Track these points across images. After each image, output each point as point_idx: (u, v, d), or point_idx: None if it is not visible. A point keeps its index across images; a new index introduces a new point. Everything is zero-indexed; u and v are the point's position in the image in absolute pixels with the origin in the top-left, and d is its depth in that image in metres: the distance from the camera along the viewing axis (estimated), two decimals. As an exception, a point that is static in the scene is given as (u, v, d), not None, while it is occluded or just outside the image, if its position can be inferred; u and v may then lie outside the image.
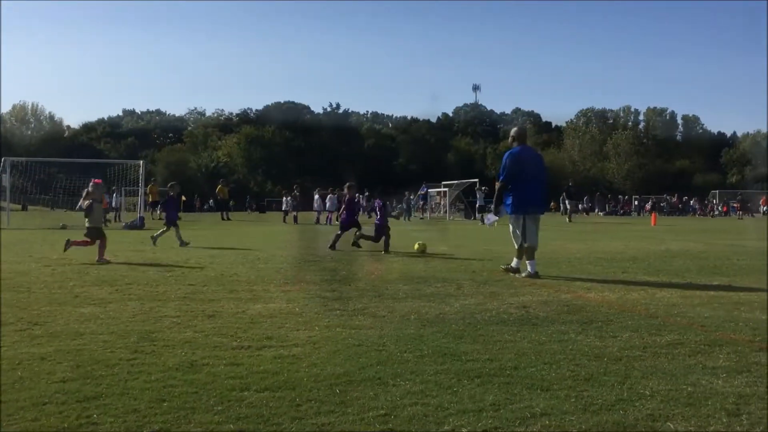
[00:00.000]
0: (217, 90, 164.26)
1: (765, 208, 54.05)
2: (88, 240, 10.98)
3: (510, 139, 9.71)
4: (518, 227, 9.33)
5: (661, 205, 58.33)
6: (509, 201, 9.37)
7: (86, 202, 11.09)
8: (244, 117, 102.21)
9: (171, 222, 14.29)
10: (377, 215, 14.00)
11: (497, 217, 10.15)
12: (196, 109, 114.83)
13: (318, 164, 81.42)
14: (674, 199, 61.30)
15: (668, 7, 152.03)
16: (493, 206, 10.32)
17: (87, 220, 11.11)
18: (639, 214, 56.34)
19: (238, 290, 7.48)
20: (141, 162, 28.46)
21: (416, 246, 12.83)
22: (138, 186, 27.75)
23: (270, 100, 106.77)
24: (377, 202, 14.64)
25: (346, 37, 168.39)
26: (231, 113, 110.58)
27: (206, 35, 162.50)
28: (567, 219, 32.23)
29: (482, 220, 9.01)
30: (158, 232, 14.15)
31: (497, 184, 9.72)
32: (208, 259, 11.16)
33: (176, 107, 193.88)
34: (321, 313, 6.06)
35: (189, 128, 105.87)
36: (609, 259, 11.76)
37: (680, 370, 4.15)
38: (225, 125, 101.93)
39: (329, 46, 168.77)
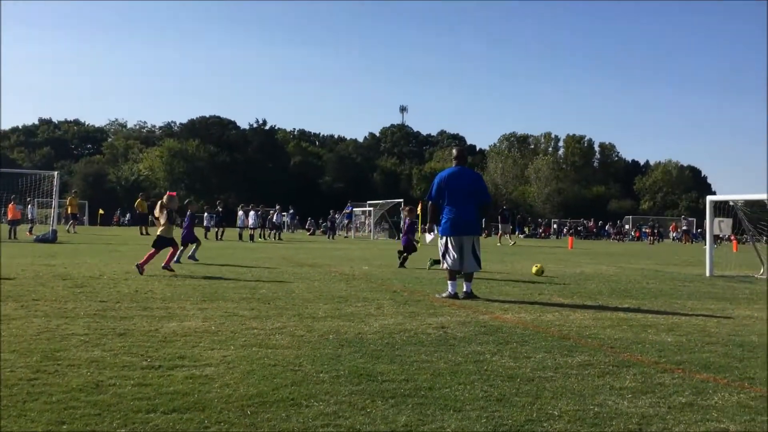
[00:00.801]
0: (140, 101, 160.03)
1: (674, 234, 56.62)
2: (154, 251, 11.52)
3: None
4: (442, 249, 9.45)
5: (578, 228, 60.30)
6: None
7: (163, 213, 11.63)
8: (168, 130, 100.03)
9: (191, 240, 14.34)
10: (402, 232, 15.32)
11: (432, 235, 10.25)
12: (117, 120, 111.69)
13: (243, 180, 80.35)
14: (590, 224, 63.46)
15: (587, 40, 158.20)
16: (427, 225, 10.43)
17: (161, 230, 11.61)
18: (557, 237, 58.00)
19: (153, 307, 7.26)
20: (56, 173, 27.37)
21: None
22: (51, 198, 26.64)
23: (195, 114, 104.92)
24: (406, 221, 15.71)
25: (275, 53, 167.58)
26: (154, 126, 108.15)
27: (130, 43, 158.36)
28: (509, 242, 33.17)
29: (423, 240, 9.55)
30: (191, 251, 14.30)
31: (420, 204, 9.92)
32: (123, 275, 10.80)
33: (96, 118, 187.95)
34: (237, 331, 5.94)
35: (109, 140, 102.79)
36: (526, 280, 12.04)
37: (589, 391, 4.26)
38: (147, 138, 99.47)
39: (257, 62, 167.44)
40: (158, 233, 11.74)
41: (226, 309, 7.33)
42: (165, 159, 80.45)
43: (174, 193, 12.37)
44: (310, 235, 45.33)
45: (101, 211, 58.31)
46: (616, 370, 4.86)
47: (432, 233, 10.30)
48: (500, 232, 35.15)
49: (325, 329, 6.19)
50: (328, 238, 36.71)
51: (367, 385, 4.22)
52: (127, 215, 63.59)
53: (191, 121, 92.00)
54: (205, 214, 33.75)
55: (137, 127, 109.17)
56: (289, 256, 17.87)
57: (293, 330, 6.10)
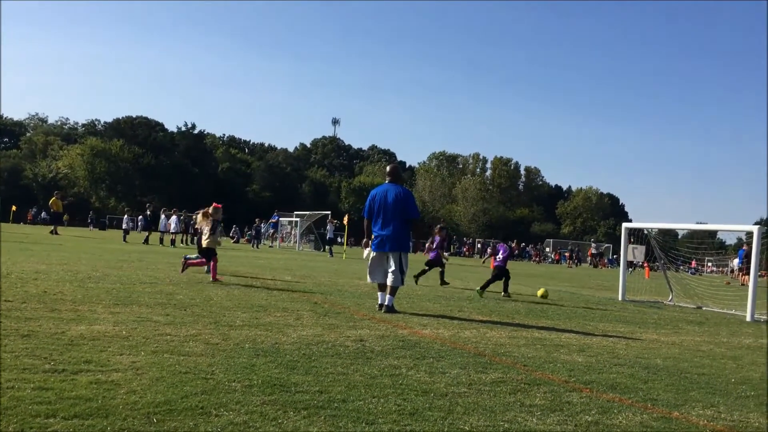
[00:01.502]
0: (63, 97, 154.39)
1: (590, 258, 58.49)
2: (204, 260, 11.95)
3: None
4: (367, 263, 9.66)
5: (445, 243, 61.46)
6: None
7: (206, 226, 11.84)
8: (91, 128, 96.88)
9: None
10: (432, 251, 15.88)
11: (367, 250, 10.23)
12: (37, 114, 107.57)
13: (167, 184, 78.47)
14: (513, 245, 64.82)
15: (520, 67, 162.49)
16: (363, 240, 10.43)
17: (207, 240, 11.79)
18: (480, 257, 59.00)
19: (61, 309, 6.97)
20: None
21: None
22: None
23: (121, 114, 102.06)
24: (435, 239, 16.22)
25: (208, 57, 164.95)
26: (76, 123, 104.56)
27: (57, 37, 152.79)
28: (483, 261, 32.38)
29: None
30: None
31: (347, 217, 10.02)
32: (33, 275, 10.34)
33: (15, 111, 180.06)
34: (150, 337, 5.76)
35: (28, 134, 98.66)
36: (447, 297, 12.18)
37: (500, 407, 4.32)
38: (68, 135, 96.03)
39: (190, 65, 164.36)
40: (205, 245, 11.93)
41: (140, 314, 7.10)
42: (86, 158, 77.66)
43: (219, 205, 12.36)
44: (234, 242, 44.59)
45: (14, 208, 55.82)
46: (528, 388, 4.96)
47: (368, 249, 10.29)
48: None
49: (242, 338, 6.08)
50: (252, 246, 36.21)
51: (279, 396, 4.16)
52: (42, 213, 61.07)
53: (117, 121, 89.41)
54: (125, 216, 32.81)
55: (59, 123, 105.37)
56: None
57: (208, 338, 5.96)
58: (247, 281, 12.23)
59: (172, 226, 28.67)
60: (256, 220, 38.96)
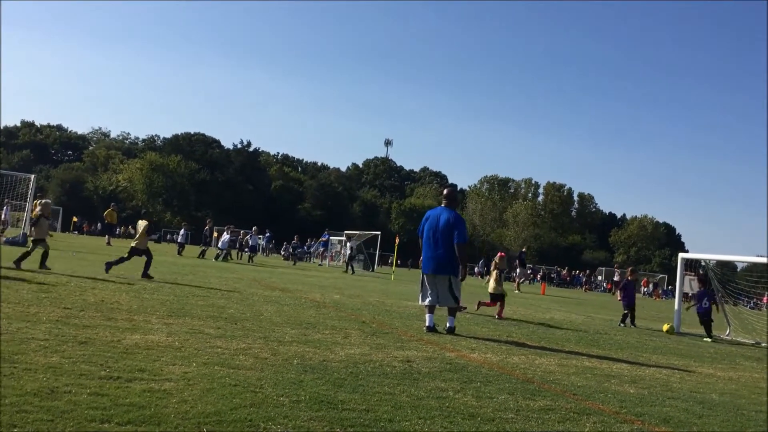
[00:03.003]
0: (126, 112, 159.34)
1: (645, 289, 57.12)
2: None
3: None
4: (419, 285, 9.76)
5: (551, 276, 60.57)
6: None
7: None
8: (150, 143, 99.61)
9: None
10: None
11: None
12: (100, 129, 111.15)
13: (221, 199, 79.94)
14: (564, 272, 63.80)
15: (574, 95, 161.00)
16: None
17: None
18: (530, 283, 58.20)
19: (117, 318, 7.16)
20: (32, 176, 27.02)
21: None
22: (26, 201, 26.24)
23: (179, 130, 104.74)
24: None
25: (266, 79, 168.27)
26: (137, 138, 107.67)
27: (121, 53, 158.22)
28: (515, 288, 28.98)
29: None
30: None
31: (397, 239, 10.10)
32: (91, 283, 10.65)
33: (79, 125, 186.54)
34: (201, 349, 5.87)
35: (90, 148, 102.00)
36: (495, 322, 12.06)
37: (548, 435, 4.26)
38: (129, 149, 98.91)
39: (248, 85, 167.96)
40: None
41: (192, 326, 7.24)
42: (145, 172, 79.83)
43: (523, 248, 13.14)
44: (285, 260, 45.02)
45: (75, 219, 57.64)
46: (577, 417, 4.87)
47: None
48: (517, 278, 31.44)
49: (290, 354, 6.14)
50: (290, 262, 36.28)
51: (327, 413, 4.18)
52: (98, 224, 62.85)
53: (175, 137, 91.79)
54: (182, 231, 33.44)
55: (120, 137, 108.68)
56: (260, 279, 17.74)
57: (257, 352, 6.04)
58: (296, 298, 12.34)
59: (225, 242, 29.23)
60: (295, 236, 39.10)
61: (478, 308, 13.53)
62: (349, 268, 30.98)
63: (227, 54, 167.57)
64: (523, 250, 34.62)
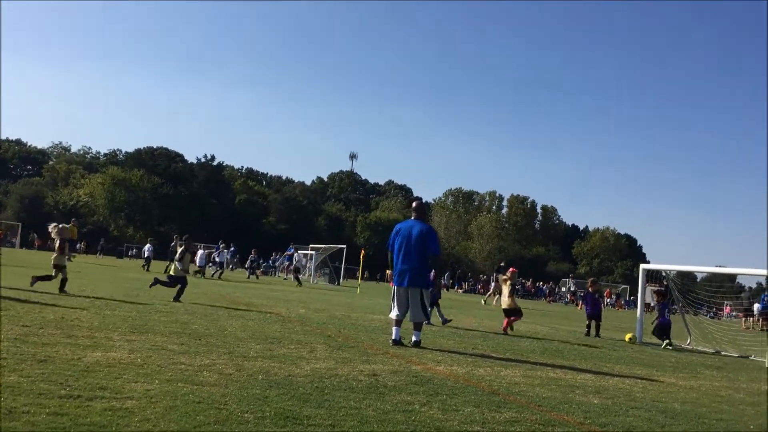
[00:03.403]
0: (86, 127, 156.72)
1: (608, 300, 57.94)
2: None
3: None
4: (390, 298, 9.73)
5: (516, 288, 61.06)
6: None
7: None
8: (112, 157, 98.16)
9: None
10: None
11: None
12: (61, 143, 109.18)
13: (185, 214, 79.01)
14: (528, 283, 64.37)
15: (537, 108, 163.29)
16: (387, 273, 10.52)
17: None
18: (496, 294, 58.58)
19: (78, 336, 7.02)
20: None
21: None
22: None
23: (142, 144, 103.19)
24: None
25: (230, 91, 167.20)
26: (98, 152, 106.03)
27: (80, 68, 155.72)
28: (484, 300, 29.84)
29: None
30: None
31: (363, 251, 10.05)
32: (51, 299, 10.43)
33: (39, 139, 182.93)
34: (164, 365, 5.78)
35: (51, 162, 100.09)
36: (461, 334, 12.10)
37: (514, 446, 4.27)
38: (90, 164, 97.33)
39: (211, 98, 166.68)
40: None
41: (155, 342, 7.13)
42: (107, 186, 78.54)
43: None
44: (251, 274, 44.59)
45: (35, 237, 56.43)
46: (542, 429, 4.90)
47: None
48: (492, 291, 30.83)
49: (255, 369, 6.08)
50: (248, 277, 35.89)
51: (292, 428, 4.15)
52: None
53: (137, 151, 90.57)
54: (148, 246, 32.94)
55: (81, 152, 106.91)
56: (225, 294, 17.56)
57: (222, 368, 5.97)
58: (261, 313, 12.24)
59: (202, 257, 29.04)
60: (253, 250, 38.82)
61: (508, 329, 13.57)
62: (297, 280, 31.18)
63: (190, 67, 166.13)
64: (502, 264, 34.47)
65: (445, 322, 13.89)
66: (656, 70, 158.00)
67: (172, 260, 30.92)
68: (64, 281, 12.34)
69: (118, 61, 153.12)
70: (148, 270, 28.26)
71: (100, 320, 8.55)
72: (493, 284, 31.84)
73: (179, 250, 14.22)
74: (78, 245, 43.52)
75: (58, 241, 12.85)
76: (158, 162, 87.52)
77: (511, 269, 14.99)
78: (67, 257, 13.03)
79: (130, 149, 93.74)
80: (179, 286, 13.26)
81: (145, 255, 32.08)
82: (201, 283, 22.57)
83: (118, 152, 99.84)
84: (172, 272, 13.77)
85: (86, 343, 6.57)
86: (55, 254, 12.80)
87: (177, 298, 12.93)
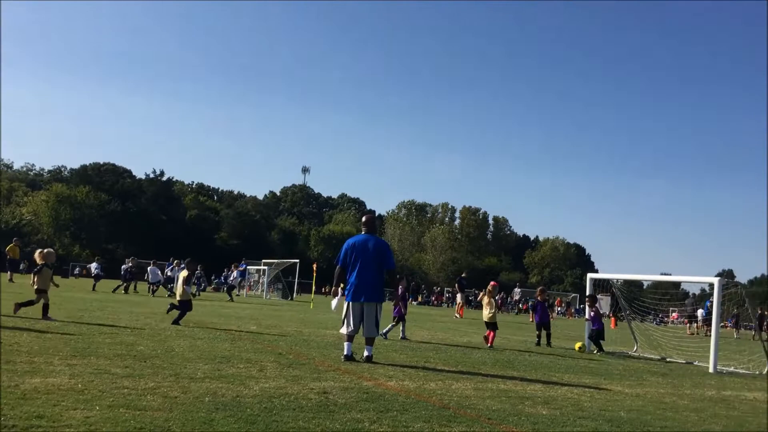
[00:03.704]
0: (30, 143, 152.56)
1: (559, 308, 58.80)
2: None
3: None
4: (342, 313, 9.63)
5: (469, 298, 61.47)
6: None
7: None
8: (57, 174, 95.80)
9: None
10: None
11: (336, 300, 10.06)
12: (2, 160, 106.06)
13: (134, 232, 77.47)
14: (481, 294, 64.92)
15: (484, 118, 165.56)
16: (332, 289, 10.37)
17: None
18: (449, 306, 58.87)
19: (16, 361, 6.77)
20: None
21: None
22: None
23: (88, 160, 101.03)
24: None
25: (178, 105, 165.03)
26: (42, 169, 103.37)
27: (21, 82, 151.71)
28: (455, 314, 29.29)
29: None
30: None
31: (315, 265, 9.97)
32: (-12, 324, 10.06)
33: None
34: (106, 390, 5.62)
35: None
36: (414, 348, 12.11)
37: (462, 462, 4.27)
38: (33, 181, 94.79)
39: (159, 112, 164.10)
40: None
41: (98, 366, 6.93)
42: (51, 204, 76.52)
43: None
44: (201, 291, 43.91)
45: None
46: (491, 442, 4.91)
47: (337, 298, 10.12)
48: (459, 302, 30.80)
49: (202, 391, 5.96)
50: (195, 295, 35.36)
51: (237, 452, 4.06)
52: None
53: (83, 167, 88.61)
54: (95, 264, 32.14)
55: (24, 169, 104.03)
56: (174, 312, 17.20)
57: (167, 391, 5.83)
58: (211, 332, 12.03)
59: (151, 276, 28.58)
60: (199, 266, 38.35)
61: (490, 344, 13.67)
62: (230, 296, 30.70)
63: (136, 80, 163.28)
64: (463, 275, 34.14)
65: (403, 338, 13.81)
66: (596, 84, 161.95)
67: (230, 287, 30.17)
68: (46, 306, 12.04)
69: (61, 74, 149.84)
70: (94, 290, 27.56)
71: (40, 344, 8.29)
72: (458, 296, 31.43)
73: (183, 273, 13.92)
74: (21, 265, 42.20)
75: (39, 266, 12.53)
76: (105, 178, 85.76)
77: (492, 283, 15.25)
78: (50, 283, 12.71)
79: (76, 166, 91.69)
80: (181, 310, 13.17)
81: (93, 273, 31.33)
82: (151, 302, 22.11)
83: (63, 168, 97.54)
84: (179, 296, 13.54)
85: (24, 369, 6.35)
86: (34, 278, 12.48)
87: (177, 322, 12.84)
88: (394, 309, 14.59)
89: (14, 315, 11.69)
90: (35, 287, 12.29)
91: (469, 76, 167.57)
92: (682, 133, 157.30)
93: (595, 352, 14.47)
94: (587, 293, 16.11)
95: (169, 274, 31.03)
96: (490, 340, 13.74)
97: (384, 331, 13.84)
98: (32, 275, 12.66)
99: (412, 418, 5.53)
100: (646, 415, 6.79)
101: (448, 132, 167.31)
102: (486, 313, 14.23)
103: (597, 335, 14.77)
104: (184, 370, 7.08)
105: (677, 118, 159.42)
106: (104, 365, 7.01)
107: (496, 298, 15.17)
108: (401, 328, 14.14)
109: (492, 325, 13.93)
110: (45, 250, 13.05)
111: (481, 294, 15.23)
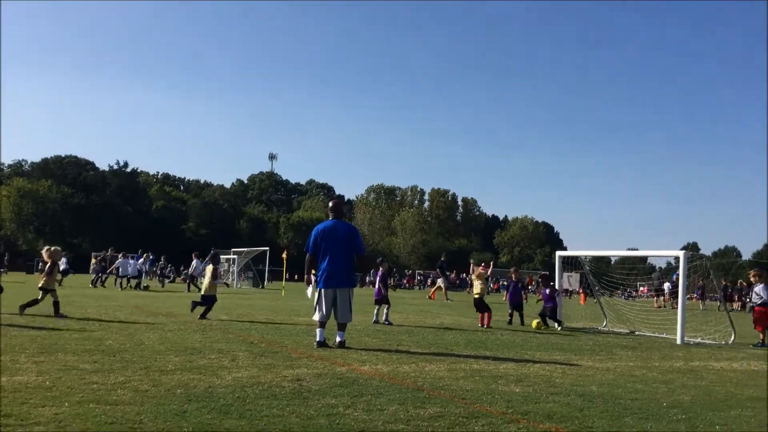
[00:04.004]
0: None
1: (531, 287, 59.43)
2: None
3: None
4: (314, 300, 9.57)
5: (451, 281, 61.85)
6: None
7: None
8: (17, 168, 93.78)
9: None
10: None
11: (310, 286, 9.97)
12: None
13: (99, 224, 76.32)
14: (452, 275, 65.33)
15: (450, 101, 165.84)
16: (305, 277, 10.30)
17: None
18: (420, 288, 59.23)
19: (-20, 361, 6.63)
20: None
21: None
22: None
23: (49, 153, 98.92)
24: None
25: (140, 94, 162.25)
26: (2, 164, 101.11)
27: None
28: (444, 297, 29.23)
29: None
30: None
31: (286, 252, 9.90)
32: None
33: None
34: (75, 387, 5.52)
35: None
36: (386, 331, 12.13)
37: (437, 443, 4.29)
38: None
39: (120, 101, 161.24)
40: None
41: (65, 362, 6.81)
42: (12, 199, 74.95)
43: None
44: (170, 282, 43.51)
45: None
46: (466, 422, 4.94)
47: (311, 285, 10.00)
48: (441, 286, 30.71)
49: (173, 383, 5.89)
50: (161, 285, 35.00)
51: (211, 443, 4.03)
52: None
53: (44, 160, 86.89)
54: (63, 259, 31.59)
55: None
56: (143, 305, 17.02)
57: (137, 384, 5.75)
58: (180, 323, 11.92)
59: (130, 269, 28.23)
60: (162, 257, 38.03)
61: (487, 325, 14.13)
62: (188, 287, 30.24)
63: (96, 69, 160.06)
64: (443, 258, 33.70)
65: (387, 323, 13.78)
66: (567, 57, 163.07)
67: (191, 278, 29.53)
68: (56, 304, 11.88)
69: (16, 65, 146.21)
70: (60, 284, 27.09)
71: (5, 342, 8.12)
72: (439, 280, 31.34)
73: (210, 268, 13.88)
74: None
75: (48, 264, 12.34)
76: (67, 171, 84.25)
77: (482, 266, 15.45)
78: (58, 282, 12.54)
79: (37, 159, 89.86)
80: (207, 305, 13.14)
81: (60, 269, 30.81)
82: (118, 295, 21.84)
83: (23, 162, 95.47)
84: (204, 291, 13.53)
85: (-10, 368, 6.21)
86: (44, 277, 12.29)
87: (204, 316, 12.87)
88: (376, 293, 14.62)
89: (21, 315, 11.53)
90: (42, 286, 12.06)
91: (434, 53, 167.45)
92: (644, 109, 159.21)
93: (557, 327, 14.61)
94: (546, 273, 16.48)
95: (138, 267, 30.61)
96: (486, 322, 14.08)
97: (384, 319, 13.84)
98: (44, 274, 12.40)
99: (387, 401, 5.53)
100: (617, 388, 6.89)
101: (415, 113, 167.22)
102: (476, 290, 14.72)
103: (551, 312, 14.86)
104: (154, 363, 6.99)
105: (640, 94, 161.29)
106: (72, 361, 6.90)
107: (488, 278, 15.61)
108: (385, 312, 14.12)
109: (483, 306, 14.21)
110: (52, 248, 12.88)
111: (477, 269, 15.38)
